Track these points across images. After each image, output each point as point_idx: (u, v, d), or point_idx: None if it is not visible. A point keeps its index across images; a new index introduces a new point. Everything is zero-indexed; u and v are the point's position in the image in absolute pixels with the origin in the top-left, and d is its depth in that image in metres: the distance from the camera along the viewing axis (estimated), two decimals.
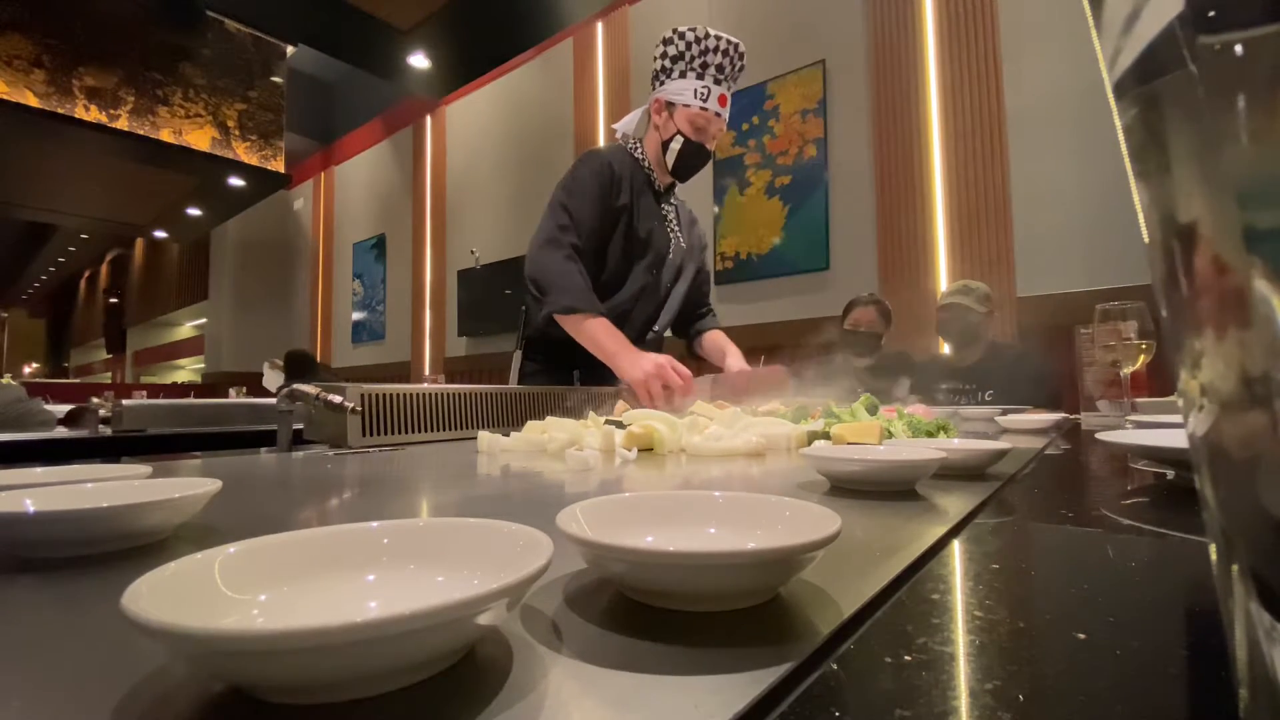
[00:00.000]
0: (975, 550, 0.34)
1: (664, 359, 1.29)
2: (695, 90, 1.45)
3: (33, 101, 4.02)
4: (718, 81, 1.46)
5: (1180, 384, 0.13)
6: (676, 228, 1.63)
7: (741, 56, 1.49)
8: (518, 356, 1.63)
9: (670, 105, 1.48)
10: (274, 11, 4.43)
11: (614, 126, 1.60)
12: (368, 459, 0.79)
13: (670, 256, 1.60)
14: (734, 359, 1.60)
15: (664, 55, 1.47)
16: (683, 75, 1.45)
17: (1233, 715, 0.12)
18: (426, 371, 5.64)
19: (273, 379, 4.63)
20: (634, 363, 1.29)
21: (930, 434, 0.84)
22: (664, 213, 1.60)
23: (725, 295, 3.59)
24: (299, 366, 4.31)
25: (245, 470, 0.69)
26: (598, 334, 1.36)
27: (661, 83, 1.49)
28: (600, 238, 1.49)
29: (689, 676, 0.18)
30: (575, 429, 0.85)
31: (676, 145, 1.48)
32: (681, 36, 1.44)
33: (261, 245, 7.58)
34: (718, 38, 1.44)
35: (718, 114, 1.48)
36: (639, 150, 1.57)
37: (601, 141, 4.28)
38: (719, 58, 1.45)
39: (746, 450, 0.77)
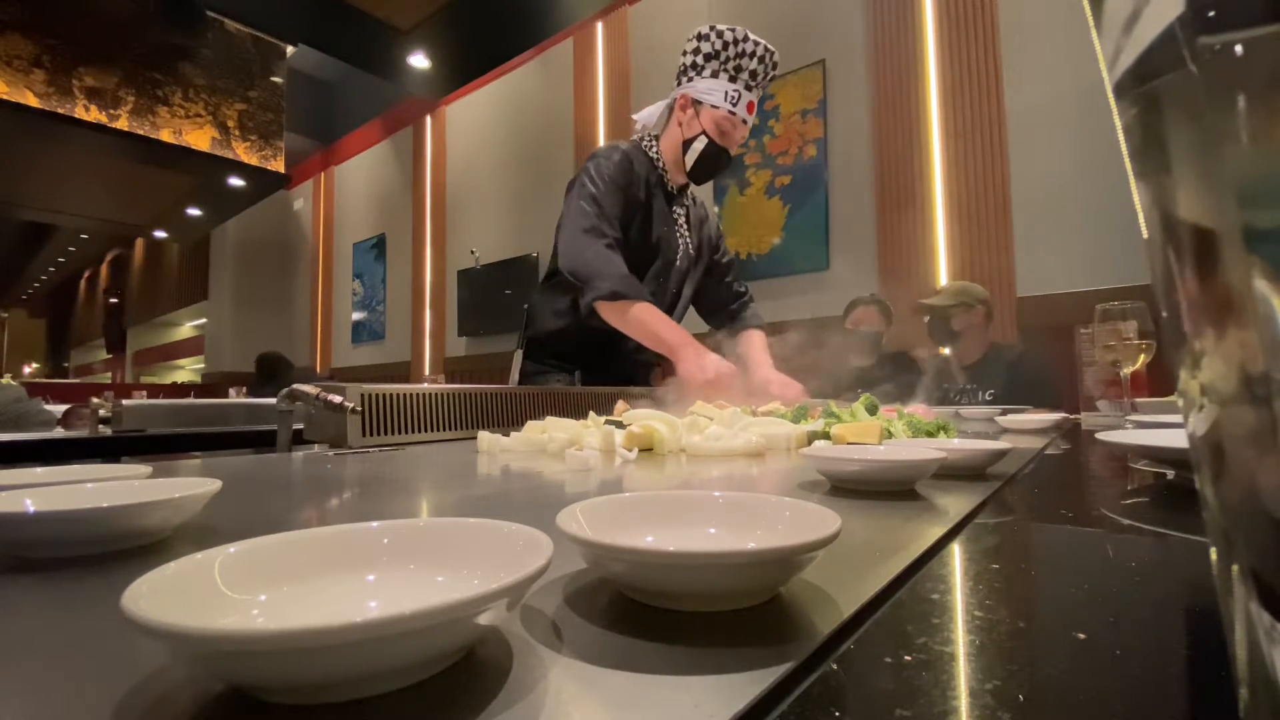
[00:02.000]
0: (975, 550, 0.34)
1: (725, 366, 1.26)
2: (726, 93, 1.40)
3: (33, 101, 4.02)
4: (749, 88, 1.42)
5: (1180, 384, 0.13)
6: (685, 231, 1.59)
7: (775, 65, 1.44)
8: (518, 356, 1.63)
9: (697, 104, 1.43)
10: (274, 11, 4.43)
11: (634, 116, 1.53)
12: (368, 459, 0.79)
13: (678, 264, 1.57)
14: (761, 368, 1.56)
15: (696, 51, 1.41)
16: (714, 75, 1.41)
17: (1233, 715, 0.12)
18: (426, 371, 5.64)
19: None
20: (699, 364, 1.26)
21: (930, 434, 0.84)
22: (674, 217, 1.56)
23: None
24: (268, 371, 4.20)
25: (245, 470, 0.69)
26: (651, 321, 1.32)
27: (690, 79, 1.43)
28: (621, 231, 1.45)
29: (689, 676, 0.18)
30: (575, 429, 0.85)
31: (699, 145, 1.43)
32: (720, 35, 1.39)
33: (261, 245, 7.57)
34: (755, 43, 1.40)
35: (744, 120, 1.44)
36: (654, 148, 1.51)
37: (601, 141, 4.28)
38: (754, 63, 1.40)
39: (746, 450, 0.77)
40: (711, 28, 1.40)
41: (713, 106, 1.41)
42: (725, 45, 1.39)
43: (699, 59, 1.42)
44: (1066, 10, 2.56)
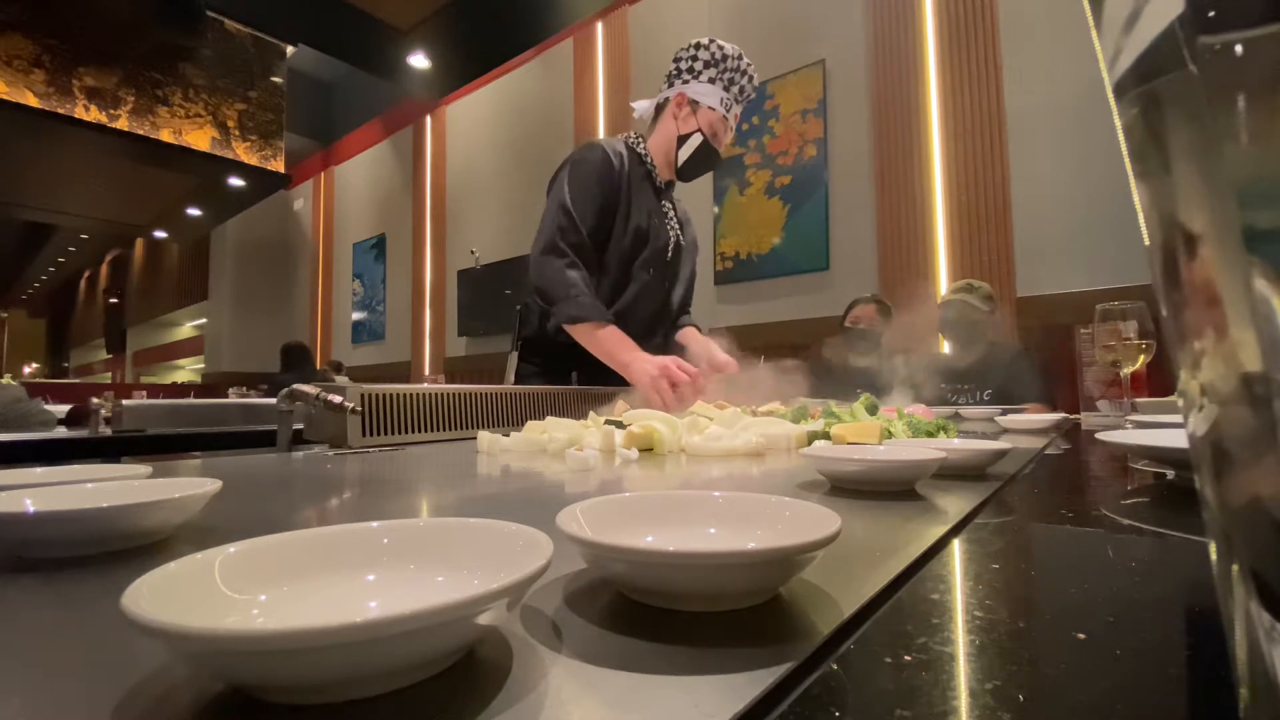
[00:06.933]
0: (975, 550, 0.34)
1: (668, 359, 1.28)
2: (721, 99, 1.49)
3: (33, 101, 4.02)
4: (737, 100, 1.52)
5: (1180, 384, 0.13)
6: (675, 224, 1.62)
7: (756, 90, 1.56)
8: (513, 358, 1.62)
9: (694, 103, 1.50)
10: (274, 11, 4.43)
11: (633, 104, 1.62)
12: (368, 459, 0.79)
13: (670, 254, 1.60)
14: (712, 349, 1.55)
15: (694, 58, 1.50)
16: (711, 81, 1.49)
17: (1233, 715, 0.12)
18: (426, 371, 5.64)
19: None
20: (641, 369, 1.29)
21: (930, 434, 0.84)
22: (664, 208, 1.60)
23: (725, 295, 3.59)
24: (293, 358, 4.55)
25: (245, 470, 0.69)
26: (609, 344, 1.36)
27: (685, 81, 1.51)
28: (601, 232, 1.48)
29: (689, 676, 0.18)
30: (575, 429, 0.85)
31: (695, 141, 1.50)
32: (720, 48, 1.49)
33: (261, 245, 7.58)
34: (748, 63, 1.50)
35: (731, 128, 1.53)
36: (641, 145, 1.57)
37: None
38: (743, 79, 1.51)
39: (746, 450, 0.77)
40: (711, 39, 1.50)
41: (709, 108, 1.49)
42: (724, 58, 1.48)
43: (696, 65, 1.49)
44: (1066, 10, 2.56)
